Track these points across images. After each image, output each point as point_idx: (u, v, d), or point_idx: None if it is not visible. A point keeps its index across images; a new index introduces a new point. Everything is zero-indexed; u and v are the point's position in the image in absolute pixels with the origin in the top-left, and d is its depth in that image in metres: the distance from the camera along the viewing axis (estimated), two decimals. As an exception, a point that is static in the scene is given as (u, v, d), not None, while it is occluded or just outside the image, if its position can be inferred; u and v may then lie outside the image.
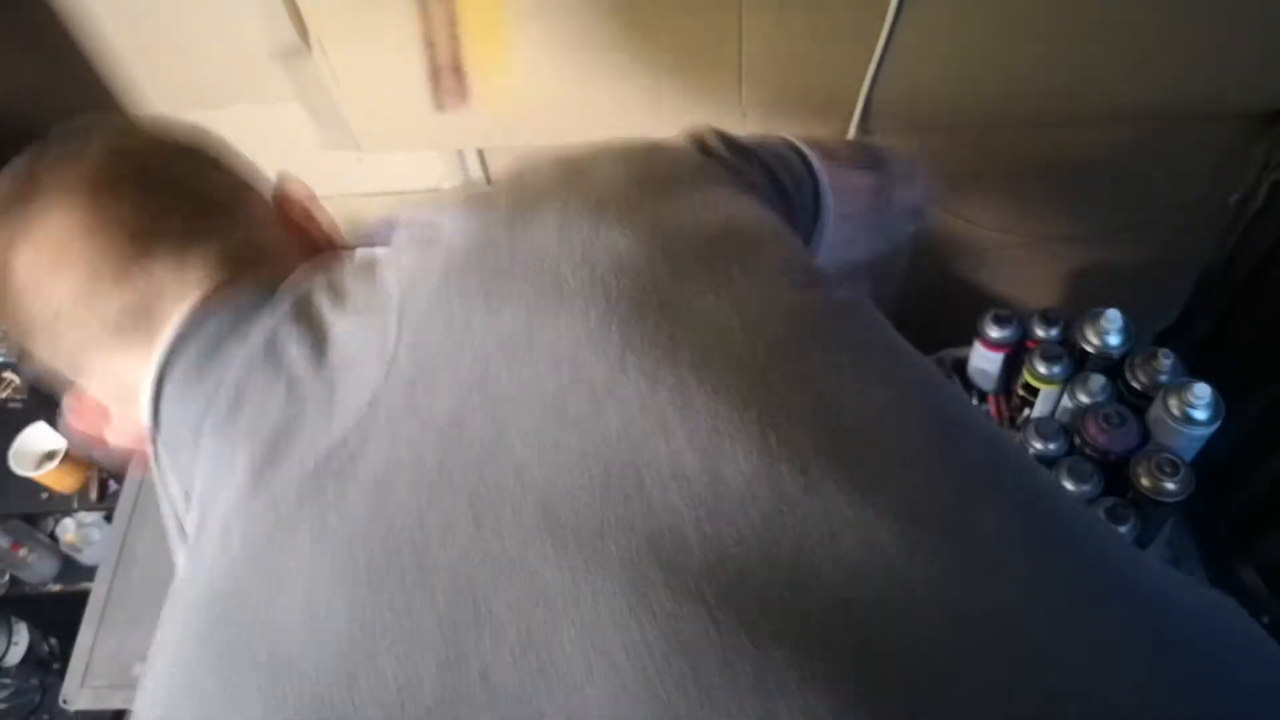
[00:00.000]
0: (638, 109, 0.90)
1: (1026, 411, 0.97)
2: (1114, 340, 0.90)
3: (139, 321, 0.46)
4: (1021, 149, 0.96)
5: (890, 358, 0.41)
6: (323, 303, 0.45)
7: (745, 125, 0.90)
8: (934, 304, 1.11)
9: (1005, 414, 1.00)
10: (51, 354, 0.48)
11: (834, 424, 0.35)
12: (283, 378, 0.42)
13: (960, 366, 1.05)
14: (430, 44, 0.84)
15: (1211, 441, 0.84)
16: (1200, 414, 0.82)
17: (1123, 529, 0.82)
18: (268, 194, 0.55)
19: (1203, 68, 0.83)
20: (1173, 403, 0.83)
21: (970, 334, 0.99)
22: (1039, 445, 0.88)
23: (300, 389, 0.41)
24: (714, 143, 0.54)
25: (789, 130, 0.92)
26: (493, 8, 0.81)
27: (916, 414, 0.38)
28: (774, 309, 0.40)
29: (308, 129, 0.95)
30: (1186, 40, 0.80)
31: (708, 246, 0.42)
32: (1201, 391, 0.81)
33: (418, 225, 0.48)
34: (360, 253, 0.49)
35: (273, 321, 0.44)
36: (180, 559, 0.42)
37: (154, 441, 0.45)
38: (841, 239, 0.63)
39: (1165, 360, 0.87)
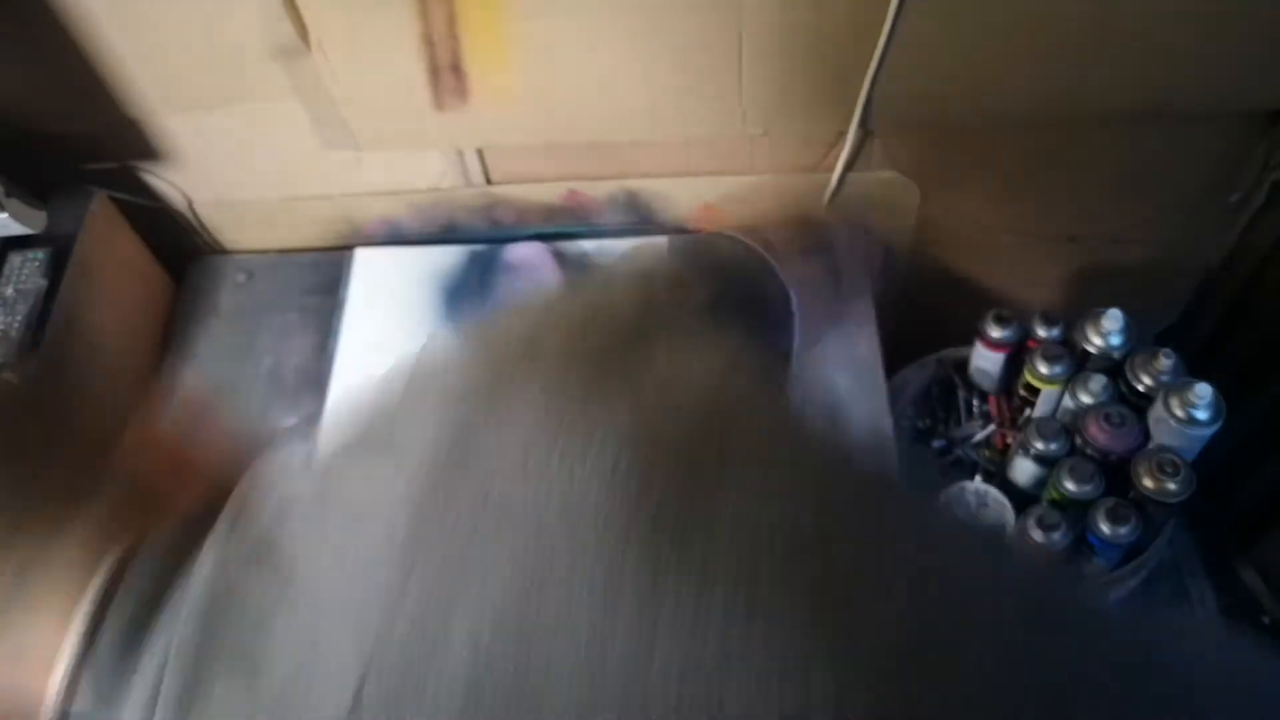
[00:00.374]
0: (637, 109, 0.90)
1: (1027, 411, 0.97)
2: (1115, 340, 0.89)
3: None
4: (1021, 149, 0.96)
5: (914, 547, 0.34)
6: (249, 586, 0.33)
7: (745, 125, 0.90)
8: (935, 304, 1.11)
9: (1006, 414, 1.00)
10: None
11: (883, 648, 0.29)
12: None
13: (961, 366, 1.05)
14: (430, 43, 0.84)
15: (1213, 442, 0.84)
16: (1202, 414, 0.82)
17: (1123, 530, 0.82)
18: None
19: (1203, 68, 0.83)
20: (1174, 403, 0.83)
21: (971, 334, 0.99)
22: (1040, 445, 0.88)
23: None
24: (668, 293, 0.46)
25: (789, 131, 0.93)
26: (492, 7, 0.81)
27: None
28: (796, 500, 0.33)
29: (307, 128, 0.95)
30: (1186, 40, 0.80)
31: (706, 433, 0.34)
32: (1203, 392, 0.81)
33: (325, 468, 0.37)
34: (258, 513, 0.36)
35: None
36: None
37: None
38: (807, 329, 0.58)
39: (1166, 360, 0.87)
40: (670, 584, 0.28)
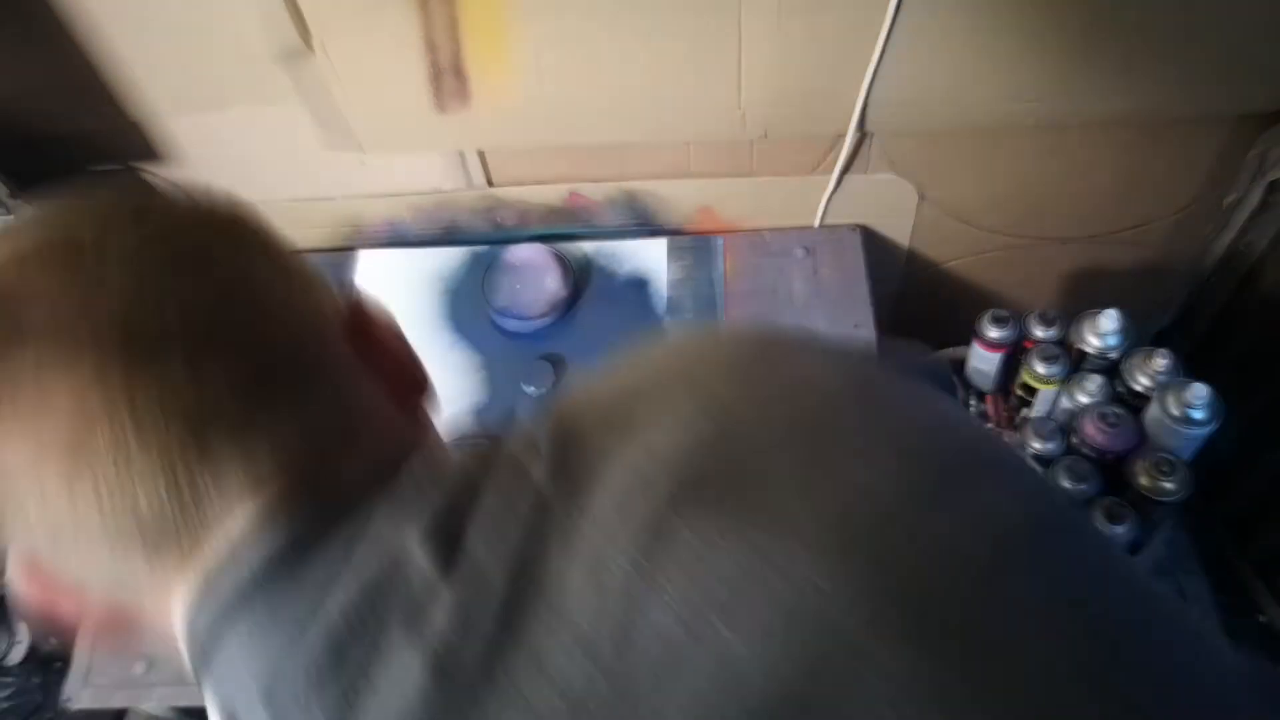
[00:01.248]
0: (637, 112, 0.91)
1: (1024, 411, 0.97)
2: (1112, 340, 0.90)
3: (185, 519, 0.32)
4: (1020, 149, 0.97)
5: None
6: (479, 531, 0.31)
7: (745, 125, 0.91)
8: (932, 304, 1.12)
9: (1003, 414, 1.00)
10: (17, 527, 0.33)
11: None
12: (424, 654, 0.29)
13: (958, 367, 1.05)
14: (432, 46, 0.84)
15: (1209, 441, 0.84)
16: (1198, 414, 0.82)
17: (1120, 529, 0.83)
18: (345, 309, 0.39)
19: (1199, 70, 0.83)
20: (1171, 403, 0.83)
21: (968, 334, 1.00)
22: (1037, 445, 0.88)
23: (454, 679, 0.28)
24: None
25: (788, 132, 0.94)
26: (494, 9, 0.81)
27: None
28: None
29: (309, 130, 0.95)
30: (1183, 42, 0.81)
31: (957, 468, 0.31)
32: (1199, 391, 0.82)
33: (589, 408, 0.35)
34: (506, 441, 0.34)
35: (395, 549, 0.30)
36: None
37: (195, 675, 0.33)
38: None
39: (1163, 360, 0.87)
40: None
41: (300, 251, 0.39)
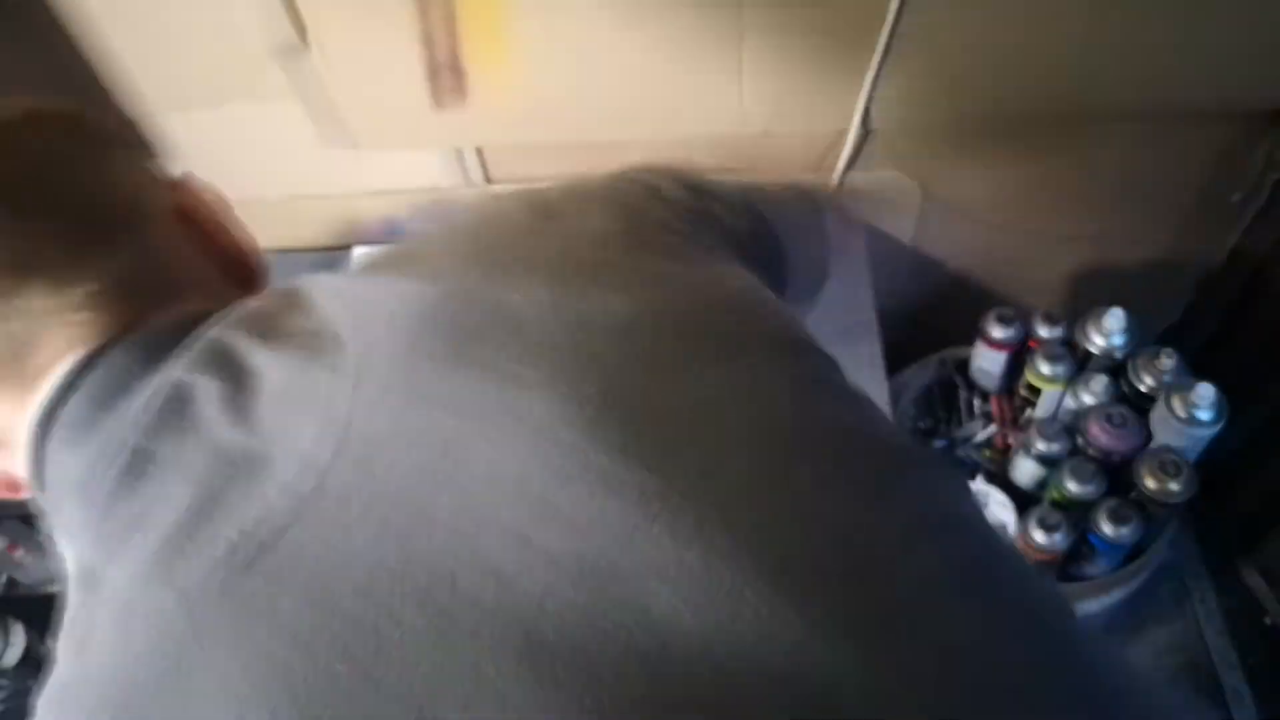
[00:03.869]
0: (637, 108, 0.90)
1: (1029, 412, 0.96)
2: (1117, 340, 0.89)
3: (14, 360, 0.38)
4: (1023, 148, 0.96)
5: (892, 465, 0.37)
6: (247, 346, 0.37)
7: (746, 125, 0.90)
8: (937, 303, 1.11)
9: (1008, 414, 1.00)
10: None
11: (857, 552, 0.32)
12: (198, 441, 0.34)
13: (963, 366, 1.05)
14: (429, 41, 0.84)
15: (1215, 442, 0.84)
16: (1204, 414, 0.81)
17: (1125, 530, 0.82)
18: (174, 194, 0.46)
19: (1205, 67, 0.83)
20: (1176, 403, 0.82)
21: (973, 333, 0.99)
22: (1042, 446, 0.87)
23: (222, 457, 0.34)
24: (675, 193, 0.47)
25: (790, 130, 0.93)
26: (492, 5, 0.81)
27: (932, 548, 0.33)
28: (780, 392, 0.36)
29: (306, 127, 0.94)
30: (1188, 40, 0.80)
31: (707, 314, 0.38)
32: (1205, 392, 0.81)
33: (367, 259, 0.42)
34: (290, 284, 0.41)
35: (182, 369, 0.36)
36: (61, 647, 0.35)
37: (39, 505, 0.39)
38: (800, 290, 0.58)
39: (1168, 360, 0.86)
40: (636, 432, 0.32)
41: (137, 146, 0.47)
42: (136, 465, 0.34)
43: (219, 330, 0.38)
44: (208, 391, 0.35)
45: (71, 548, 0.37)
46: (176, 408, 0.35)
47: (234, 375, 0.36)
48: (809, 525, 0.31)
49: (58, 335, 0.38)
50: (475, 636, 0.28)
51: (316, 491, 0.32)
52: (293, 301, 0.39)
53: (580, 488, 0.30)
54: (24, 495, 0.40)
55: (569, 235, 0.41)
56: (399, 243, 0.43)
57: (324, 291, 0.39)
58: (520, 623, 0.28)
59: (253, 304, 0.40)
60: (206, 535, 0.32)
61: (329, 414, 0.34)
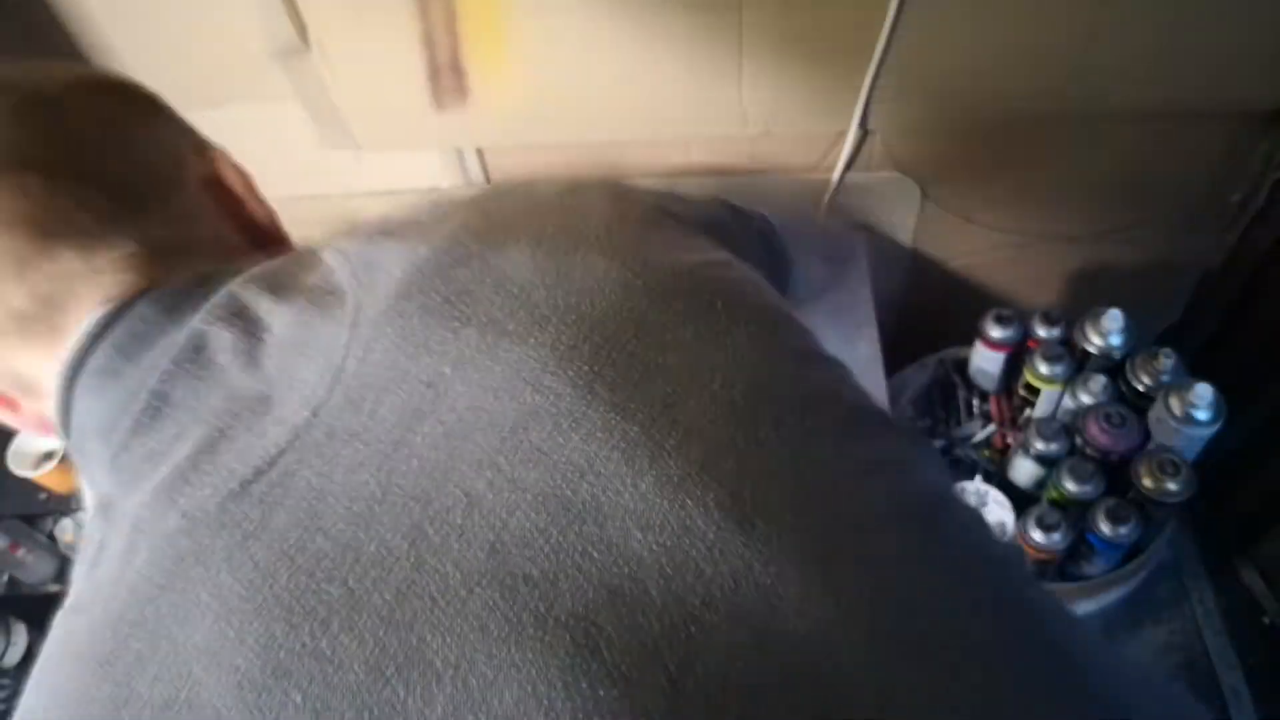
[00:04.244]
0: (637, 108, 0.90)
1: (1028, 411, 0.97)
2: (1116, 340, 0.89)
3: (45, 315, 0.40)
4: (1022, 148, 0.96)
5: (874, 435, 0.39)
6: (259, 300, 0.40)
7: (746, 125, 0.90)
8: (935, 303, 1.11)
9: (1006, 414, 1.00)
10: None
11: (808, 488, 0.33)
12: (211, 386, 0.37)
13: (961, 366, 1.05)
14: (430, 42, 0.84)
15: (1213, 442, 0.84)
16: (1202, 414, 0.82)
17: (1124, 529, 0.82)
18: (203, 164, 0.49)
19: (1204, 67, 0.83)
20: (1174, 403, 0.83)
21: (972, 333, 0.99)
22: (1040, 445, 0.87)
23: (233, 400, 0.37)
24: (655, 191, 0.50)
25: (789, 130, 0.93)
26: (492, 6, 0.81)
27: (898, 513, 0.35)
28: (760, 359, 0.37)
29: (307, 128, 0.94)
30: (1188, 40, 0.80)
31: (691, 281, 0.40)
32: (1203, 392, 0.81)
33: (380, 222, 0.45)
34: (306, 246, 0.45)
35: (201, 321, 0.39)
36: (76, 568, 0.38)
37: (67, 446, 0.41)
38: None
39: (1167, 360, 0.86)
40: (609, 381, 0.34)
41: (175, 117, 0.49)
42: (153, 407, 0.37)
43: (236, 285, 0.41)
44: (221, 340, 0.38)
45: (93, 486, 0.40)
46: (193, 356, 0.38)
47: (247, 326, 0.39)
48: (762, 457, 0.33)
49: (86, 292, 0.41)
50: (444, 551, 0.31)
51: (309, 425, 0.35)
52: (306, 261, 0.42)
53: (548, 422, 0.33)
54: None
55: (565, 210, 0.43)
56: (412, 211, 0.45)
57: (334, 253, 0.42)
58: (486, 539, 0.31)
59: (270, 263, 0.43)
60: (210, 465, 0.35)
61: (327, 359, 0.36)
